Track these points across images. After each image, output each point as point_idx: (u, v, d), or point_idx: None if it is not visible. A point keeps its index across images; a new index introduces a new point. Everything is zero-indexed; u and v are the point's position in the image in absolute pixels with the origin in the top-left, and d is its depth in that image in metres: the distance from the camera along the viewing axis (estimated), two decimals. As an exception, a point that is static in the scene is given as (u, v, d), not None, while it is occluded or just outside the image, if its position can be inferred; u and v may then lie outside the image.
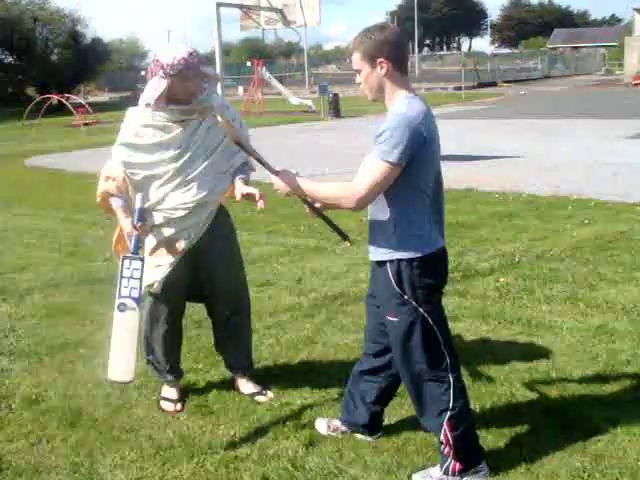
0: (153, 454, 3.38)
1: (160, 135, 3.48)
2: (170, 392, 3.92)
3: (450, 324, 4.77)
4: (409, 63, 3.02)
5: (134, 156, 3.51)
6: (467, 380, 3.97)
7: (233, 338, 3.91)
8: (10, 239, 8.13)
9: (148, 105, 3.41)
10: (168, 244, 3.60)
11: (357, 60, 2.84)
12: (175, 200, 3.51)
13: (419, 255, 2.86)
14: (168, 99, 3.37)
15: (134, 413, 3.80)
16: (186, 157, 3.49)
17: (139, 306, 3.48)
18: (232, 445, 3.41)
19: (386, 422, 3.50)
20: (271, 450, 3.37)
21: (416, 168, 2.75)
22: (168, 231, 3.57)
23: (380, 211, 2.89)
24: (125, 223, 3.57)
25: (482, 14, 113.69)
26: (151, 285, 3.63)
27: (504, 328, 4.75)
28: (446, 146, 15.05)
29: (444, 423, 3.00)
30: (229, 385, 4.03)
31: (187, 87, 3.36)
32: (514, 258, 6.33)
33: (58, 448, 3.49)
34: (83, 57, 40.97)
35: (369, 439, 3.40)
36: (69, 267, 6.77)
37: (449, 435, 2.99)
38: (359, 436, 3.43)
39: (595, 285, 5.52)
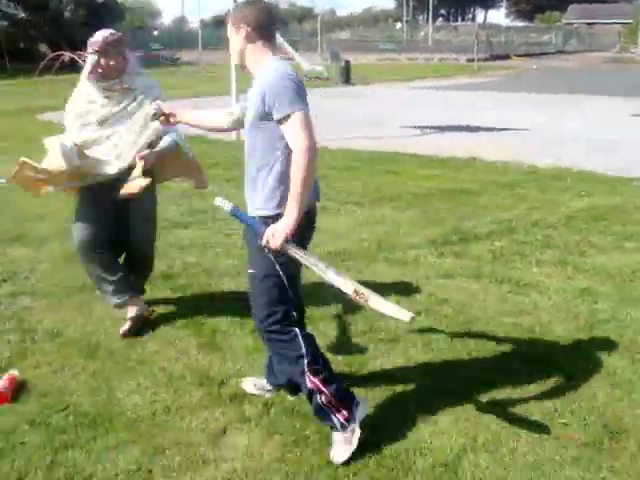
0: (165, 382, 3.71)
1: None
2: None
3: (444, 281, 5.15)
4: (276, 31, 3.19)
5: None
6: (455, 330, 4.29)
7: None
8: (27, 190, 8.37)
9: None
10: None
11: (228, 29, 3.09)
12: None
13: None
14: (100, 75, 4.10)
15: (148, 347, 4.13)
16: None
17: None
18: (238, 377, 3.72)
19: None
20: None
21: None
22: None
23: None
24: None
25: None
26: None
27: (494, 287, 5.05)
28: (455, 116, 14.99)
29: (305, 369, 3.05)
30: (236, 326, 4.35)
31: (110, 64, 4.04)
32: (511, 225, 6.61)
33: (78, 375, 3.82)
34: (97, 14, 40.77)
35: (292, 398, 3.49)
36: (85, 217, 7.03)
37: (314, 380, 3.04)
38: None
39: (585, 252, 5.80)
